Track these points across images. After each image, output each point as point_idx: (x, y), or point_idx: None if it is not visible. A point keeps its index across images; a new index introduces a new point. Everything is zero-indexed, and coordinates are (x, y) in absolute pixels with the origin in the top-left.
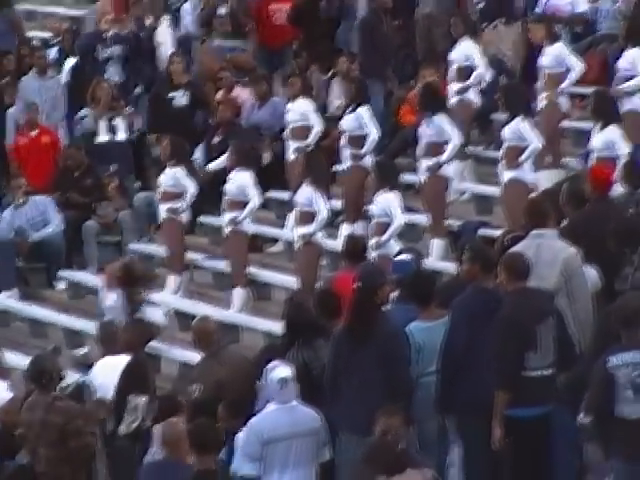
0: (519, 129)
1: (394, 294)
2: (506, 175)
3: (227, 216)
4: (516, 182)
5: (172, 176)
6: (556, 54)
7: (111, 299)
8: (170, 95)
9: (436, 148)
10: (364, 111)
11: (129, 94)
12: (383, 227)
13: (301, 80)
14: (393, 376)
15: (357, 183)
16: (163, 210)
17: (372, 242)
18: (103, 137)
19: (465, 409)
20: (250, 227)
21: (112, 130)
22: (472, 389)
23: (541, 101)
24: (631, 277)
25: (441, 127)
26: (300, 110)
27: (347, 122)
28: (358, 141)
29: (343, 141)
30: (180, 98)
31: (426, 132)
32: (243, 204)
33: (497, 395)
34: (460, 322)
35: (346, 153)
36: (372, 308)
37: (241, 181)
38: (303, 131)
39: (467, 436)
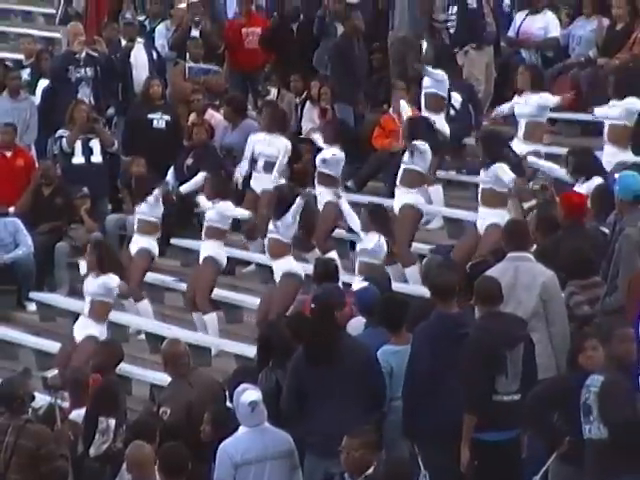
0: (496, 173)
1: (360, 319)
2: (486, 219)
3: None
4: (495, 227)
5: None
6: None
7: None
8: (149, 117)
9: (494, 196)
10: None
11: (101, 116)
12: None
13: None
14: (369, 387)
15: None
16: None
17: None
18: (79, 159)
19: (429, 437)
20: (224, 259)
21: (88, 151)
22: (435, 417)
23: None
24: (601, 302)
25: (497, 176)
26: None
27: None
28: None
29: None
30: (159, 120)
31: (482, 177)
32: (223, 232)
33: (465, 418)
34: (422, 349)
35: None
36: (330, 328)
37: (222, 209)
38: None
39: (432, 464)
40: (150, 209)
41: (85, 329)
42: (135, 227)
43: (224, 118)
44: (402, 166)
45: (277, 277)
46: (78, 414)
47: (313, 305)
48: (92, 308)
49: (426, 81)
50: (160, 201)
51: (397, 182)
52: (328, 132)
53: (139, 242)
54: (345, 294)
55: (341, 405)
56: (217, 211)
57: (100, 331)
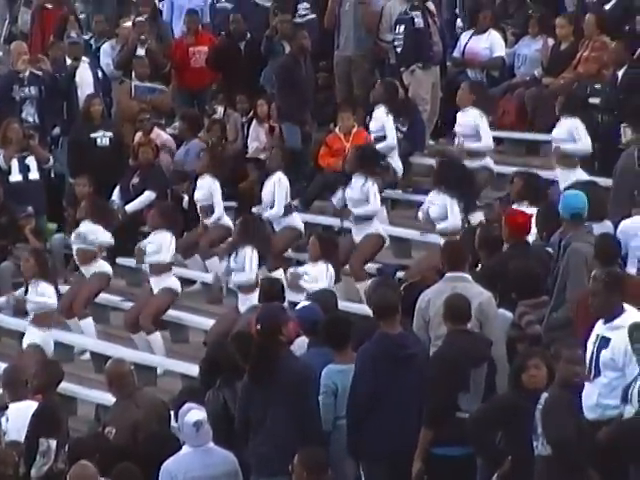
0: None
1: (304, 338)
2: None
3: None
4: None
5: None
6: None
7: None
8: (92, 136)
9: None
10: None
11: (46, 135)
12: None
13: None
14: (301, 414)
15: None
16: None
17: None
18: (16, 177)
19: (372, 456)
20: (176, 284)
21: (25, 169)
22: (376, 436)
23: None
24: (547, 317)
25: (445, 207)
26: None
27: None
28: None
29: None
30: (102, 138)
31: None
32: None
33: (422, 432)
34: (364, 369)
35: None
36: (275, 347)
37: (160, 241)
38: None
39: None
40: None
41: (28, 338)
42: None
43: (178, 134)
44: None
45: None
46: (17, 407)
47: (258, 326)
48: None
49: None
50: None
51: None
52: (273, 157)
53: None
54: (288, 312)
55: (274, 426)
56: (156, 244)
57: (43, 339)
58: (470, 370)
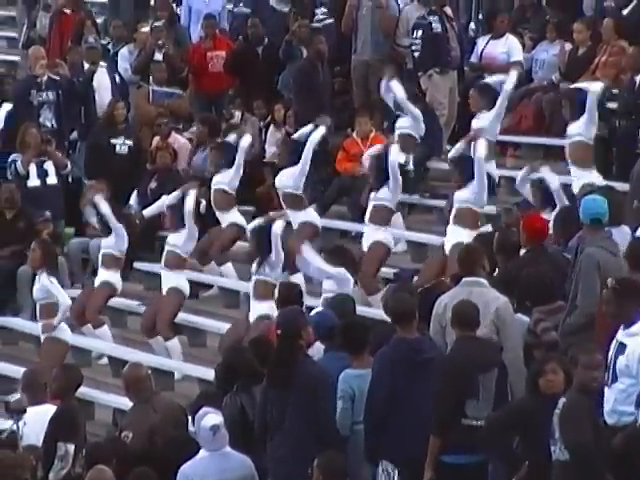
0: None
1: (319, 344)
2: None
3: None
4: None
5: None
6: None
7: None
8: (112, 142)
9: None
10: None
11: (64, 139)
12: None
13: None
14: (317, 418)
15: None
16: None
17: None
18: (34, 181)
19: (389, 460)
20: (185, 285)
21: (43, 174)
22: (394, 440)
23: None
24: (561, 323)
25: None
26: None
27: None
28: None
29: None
30: (122, 145)
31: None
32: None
33: (431, 440)
34: (382, 373)
35: None
36: (295, 351)
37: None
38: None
39: None
40: (115, 243)
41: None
42: (100, 261)
43: (196, 138)
44: (370, 203)
45: (253, 317)
46: (35, 411)
47: (279, 331)
48: (42, 312)
49: (403, 121)
50: (125, 237)
51: (366, 220)
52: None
53: (103, 275)
54: (306, 316)
55: (291, 430)
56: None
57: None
58: (479, 376)
